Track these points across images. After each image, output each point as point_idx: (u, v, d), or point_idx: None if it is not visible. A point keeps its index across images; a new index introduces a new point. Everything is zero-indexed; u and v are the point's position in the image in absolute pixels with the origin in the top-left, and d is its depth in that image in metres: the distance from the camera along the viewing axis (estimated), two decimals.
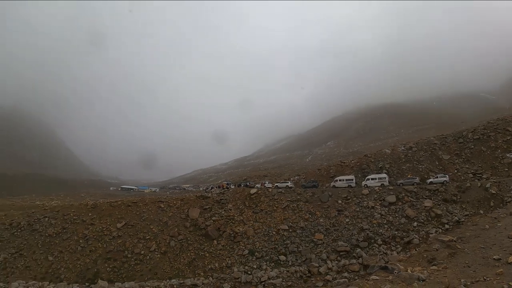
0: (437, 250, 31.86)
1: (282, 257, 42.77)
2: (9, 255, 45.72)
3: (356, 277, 35.36)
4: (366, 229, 44.41)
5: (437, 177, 52.99)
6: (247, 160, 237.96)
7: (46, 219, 51.18)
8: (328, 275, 38.24)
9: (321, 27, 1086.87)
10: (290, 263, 41.93)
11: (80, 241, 47.26)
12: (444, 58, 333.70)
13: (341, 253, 41.74)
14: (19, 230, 49.40)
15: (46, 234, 48.59)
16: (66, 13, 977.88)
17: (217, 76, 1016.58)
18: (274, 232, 46.11)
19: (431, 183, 51.95)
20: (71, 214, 51.76)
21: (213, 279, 40.59)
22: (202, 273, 41.89)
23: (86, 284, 40.88)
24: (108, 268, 43.21)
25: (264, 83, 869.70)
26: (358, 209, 48.01)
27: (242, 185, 71.36)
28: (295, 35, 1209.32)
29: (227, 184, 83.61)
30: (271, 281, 38.81)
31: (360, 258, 39.60)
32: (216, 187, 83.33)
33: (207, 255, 44.42)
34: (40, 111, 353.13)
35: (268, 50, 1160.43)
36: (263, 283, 38.84)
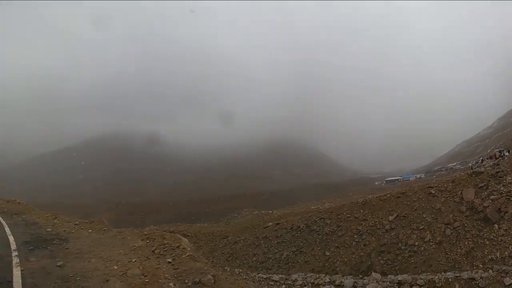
0: None
1: None
2: (291, 252, 51.44)
3: None
4: None
5: None
6: None
7: (322, 220, 54.86)
8: None
9: None
10: None
11: (354, 236, 48.48)
12: None
13: None
14: (299, 232, 54.71)
15: (323, 232, 52.08)
16: None
17: None
18: None
19: None
20: (344, 213, 53.92)
21: (493, 272, 32.66)
22: (480, 265, 35.06)
23: (360, 276, 41.20)
24: (381, 261, 42.49)
25: None
26: None
27: None
28: None
29: (500, 151, 71.73)
30: None
31: None
32: (486, 159, 73.05)
33: (487, 242, 36.97)
34: (300, 133, 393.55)
35: None
36: None
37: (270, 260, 52.28)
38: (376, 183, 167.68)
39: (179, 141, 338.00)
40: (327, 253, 48.24)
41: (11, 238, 16.29)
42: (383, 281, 33.02)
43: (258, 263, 52.61)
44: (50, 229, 19.93)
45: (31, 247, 14.79)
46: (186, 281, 10.78)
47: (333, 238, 50.37)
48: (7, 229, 18.85)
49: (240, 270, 50.19)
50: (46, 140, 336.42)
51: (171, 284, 10.41)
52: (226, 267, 50.23)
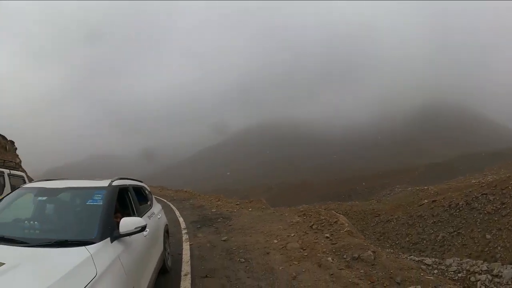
0: None
1: None
2: (448, 234, 48.07)
3: None
4: None
5: None
6: None
7: (484, 196, 49.80)
8: None
9: None
10: None
11: None
12: None
13: None
14: (457, 210, 50.44)
15: (485, 211, 47.32)
16: None
17: None
18: None
19: None
20: (510, 187, 48.11)
21: None
22: None
23: None
24: None
25: None
26: None
27: None
28: None
29: None
30: None
31: None
32: None
33: None
34: (454, 95, 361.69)
35: None
36: None
37: (424, 242, 49.60)
38: None
39: (322, 122, 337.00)
40: (488, 236, 43.86)
41: (180, 219, 18.77)
42: None
43: (410, 244, 50.43)
44: (214, 210, 22.11)
45: (198, 226, 16.96)
46: (345, 256, 11.19)
47: (496, 218, 45.50)
48: (177, 213, 21.58)
49: (391, 250, 48.55)
50: (202, 139, 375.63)
51: (329, 258, 10.73)
52: (377, 247, 48.87)
